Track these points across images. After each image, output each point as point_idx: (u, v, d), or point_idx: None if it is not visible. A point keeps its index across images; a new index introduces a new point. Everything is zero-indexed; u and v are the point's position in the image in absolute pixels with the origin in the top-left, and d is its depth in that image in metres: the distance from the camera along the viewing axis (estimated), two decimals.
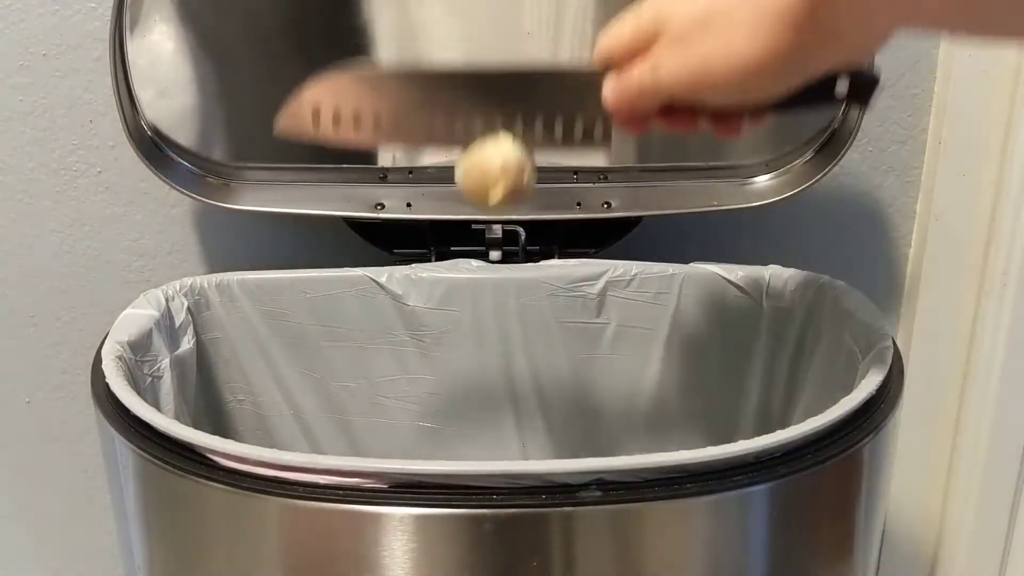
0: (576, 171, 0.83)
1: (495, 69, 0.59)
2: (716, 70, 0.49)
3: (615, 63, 0.54)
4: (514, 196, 0.59)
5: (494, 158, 0.58)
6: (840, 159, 0.79)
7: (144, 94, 0.78)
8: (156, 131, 0.80)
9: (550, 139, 0.59)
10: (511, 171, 0.58)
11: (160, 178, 0.80)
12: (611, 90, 0.54)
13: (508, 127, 0.59)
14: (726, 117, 0.54)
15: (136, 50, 0.76)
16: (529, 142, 0.59)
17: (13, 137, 0.88)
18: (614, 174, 0.83)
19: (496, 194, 0.59)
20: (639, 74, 0.52)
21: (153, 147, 0.80)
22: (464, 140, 0.59)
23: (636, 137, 0.84)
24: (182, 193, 0.81)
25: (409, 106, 0.59)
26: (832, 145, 0.80)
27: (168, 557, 0.62)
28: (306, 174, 0.83)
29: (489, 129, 0.59)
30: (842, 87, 0.52)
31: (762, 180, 0.83)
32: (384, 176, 0.83)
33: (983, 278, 0.92)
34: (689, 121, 0.54)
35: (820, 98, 0.52)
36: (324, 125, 0.59)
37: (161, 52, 0.77)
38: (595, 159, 0.83)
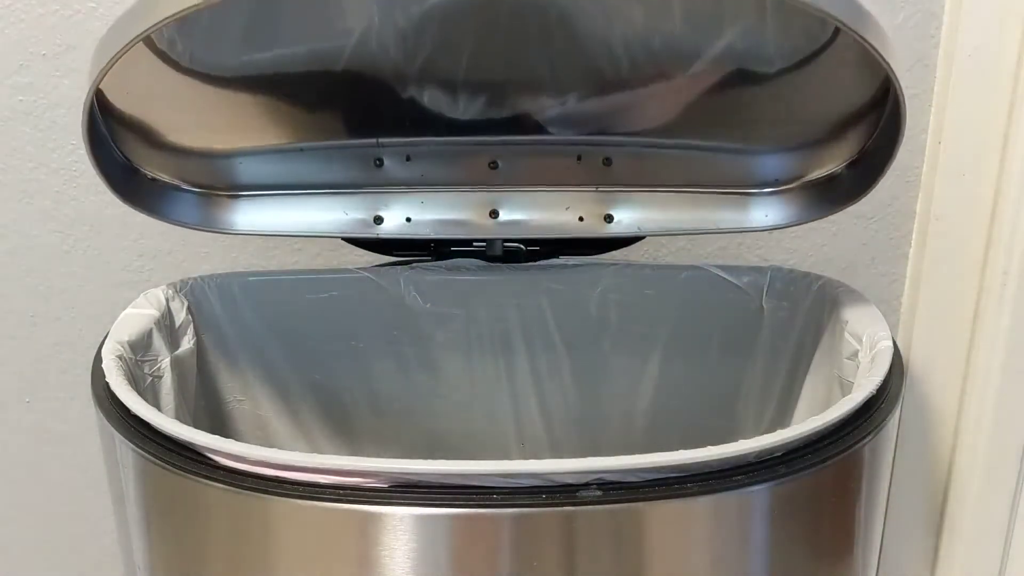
0: (580, 155, 0.80)
1: None
2: None
3: None
4: None
5: None
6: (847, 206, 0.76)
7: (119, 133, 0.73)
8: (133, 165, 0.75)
9: None
10: None
11: (154, 216, 0.76)
12: None
13: None
14: None
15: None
16: None
17: (13, 137, 0.88)
18: (617, 158, 0.80)
19: None
20: None
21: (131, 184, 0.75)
22: None
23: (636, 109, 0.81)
24: (175, 224, 0.78)
25: None
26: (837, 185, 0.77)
27: (168, 557, 0.62)
28: (302, 167, 0.79)
29: None
30: None
31: (767, 201, 0.81)
32: (380, 162, 0.81)
33: (983, 278, 0.92)
34: None
35: None
36: None
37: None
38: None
